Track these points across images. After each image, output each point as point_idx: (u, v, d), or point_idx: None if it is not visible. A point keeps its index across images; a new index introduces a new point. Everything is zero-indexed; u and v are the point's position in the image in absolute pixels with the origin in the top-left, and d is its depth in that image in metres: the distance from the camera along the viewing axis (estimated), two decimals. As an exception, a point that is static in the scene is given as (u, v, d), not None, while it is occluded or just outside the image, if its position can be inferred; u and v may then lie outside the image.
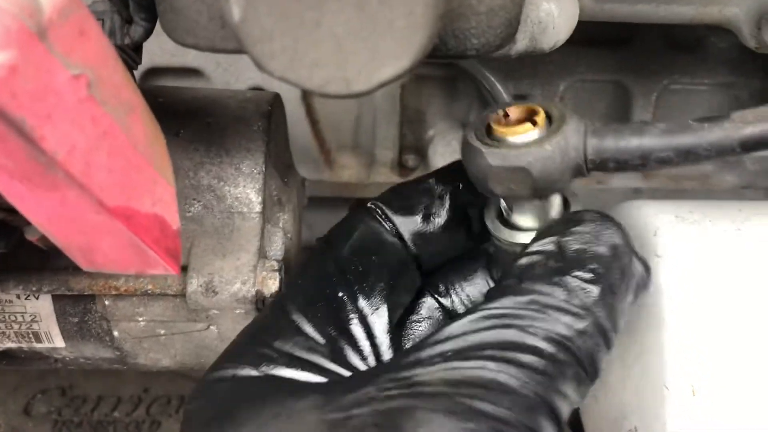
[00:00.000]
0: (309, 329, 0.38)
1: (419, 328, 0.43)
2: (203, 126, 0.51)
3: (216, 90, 0.58)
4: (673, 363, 0.46)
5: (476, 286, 0.44)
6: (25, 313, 0.50)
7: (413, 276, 0.43)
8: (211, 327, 0.50)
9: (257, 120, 0.52)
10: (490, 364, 0.32)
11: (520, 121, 0.39)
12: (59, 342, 0.51)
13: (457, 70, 0.75)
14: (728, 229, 0.50)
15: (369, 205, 0.44)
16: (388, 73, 0.30)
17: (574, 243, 0.36)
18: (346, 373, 0.37)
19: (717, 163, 0.81)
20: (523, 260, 0.37)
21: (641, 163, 0.38)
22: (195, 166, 0.50)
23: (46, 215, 0.31)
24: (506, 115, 0.39)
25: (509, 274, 0.36)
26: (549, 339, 0.33)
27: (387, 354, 0.39)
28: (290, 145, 0.62)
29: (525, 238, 0.40)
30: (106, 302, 0.49)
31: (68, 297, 0.49)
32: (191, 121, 0.51)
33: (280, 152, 0.56)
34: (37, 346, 0.52)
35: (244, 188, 0.49)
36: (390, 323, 0.40)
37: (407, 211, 0.43)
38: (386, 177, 0.82)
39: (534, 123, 0.38)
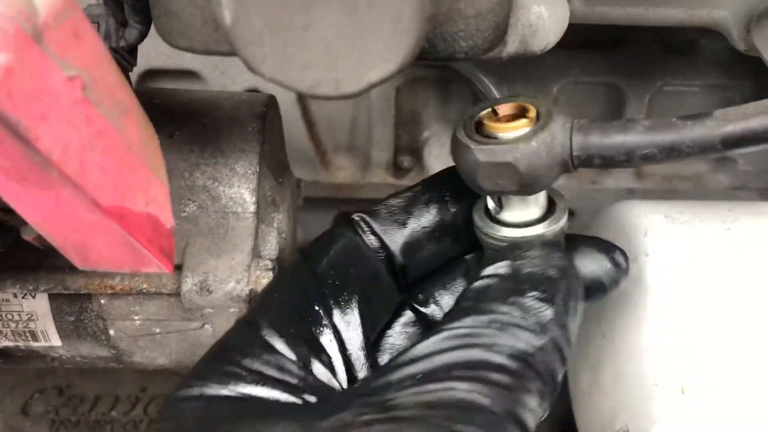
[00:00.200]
0: (280, 346, 0.37)
1: (396, 344, 0.43)
2: (198, 127, 0.51)
3: (211, 92, 0.58)
4: (662, 362, 0.47)
5: (455, 294, 0.45)
6: (22, 312, 0.50)
7: (392, 291, 0.43)
8: (206, 326, 0.51)
9: (252, 121, 0.52)
10: (460, 384, 0.32)
11: (510, 118, 0.40)
12: (56, 341, 0.52)
13: (451, 73, 0.76)
14: (718, 229, 0.50)
15: (354, 217, 0.44)
16: (376, 75, 0.31)
17: (526, 266, 0.38)
18: (317, 394, 0.36)
19: (710, 163, 0.81)
20: (478, 283, 0.38)
21: (626, 159, 0.38)
22: (190, 167, 0.50)
23: (41, 214, 0.32)
24: (496, 114, 0.40)
25: (465, 296, 0.38)
26: (512, 356, 0.34)
27: (362, 371, 0.40)
28: (286, 146, 0.63)
29: (512, 233, 0.41)
30: (102, 301, 0.50)
31: (64, 296, 0.50)
32: (187, 123, 0.51)
33: (275, 153, 0.57)
34: (34, 344, 0.52)
35: (239, 188, 0.50)
36: (366, 339, 0.40)
37: (394, 222, 0.43)
38: (382, 178, 0.83)
39: (526, 119, 0.39)
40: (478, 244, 0.44)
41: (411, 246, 0.43)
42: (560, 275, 0.38)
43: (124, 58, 0.42)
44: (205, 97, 0.55)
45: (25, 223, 0.38)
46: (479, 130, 0.40)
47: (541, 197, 0.42)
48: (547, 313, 0.36)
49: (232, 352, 0.37)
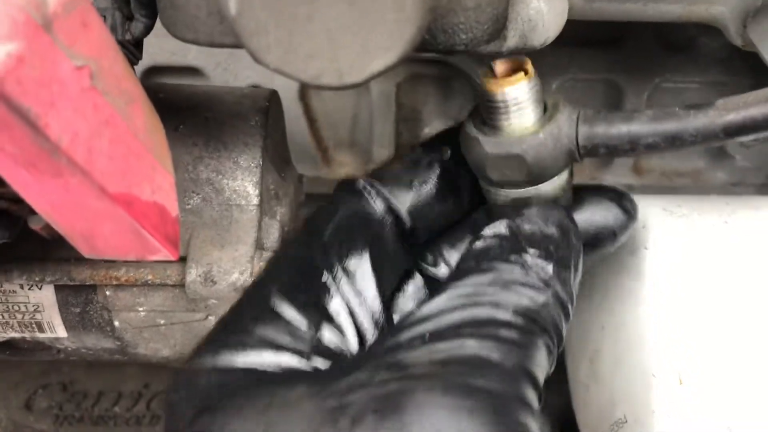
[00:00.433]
0: (291, 313, 0.37)
1: (406, 308, 0.43)
2: (202, 121, 0.52)
3: (215, 86, 0.59)
4: (660, 353, 0.47)
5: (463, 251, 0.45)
6: (28, 303, 0.51)
7: (399, 254, 0.43)
8: (210, 317, 0.51)
9: (254, 115, 0.53)
10: (470, 342, 0.33)
11: (508, 74, 0.40)
12: (61, 332, 0.52)
13: (452, 70, 0.77)
14: (716, 222, 0.51)
15: (359, 182, 0.44)
16: (379, 65, 0.31)
17: (524, 224, 0.39)
18: (328, 359, 0.37)
19: (708, 160, 0.82)
20: (478, 243, 0.39)
21: (630, 148, 0.39)
22: (194, 160, 0.51)
23: (49, 202, 0.32)
24: (493, 70, 0.41)
25: (467, 257, 0.38)
26: (518, 313, 0.35)
27: (372, 336, 0.40)
28: (288, 143, 0.63)
29: (517, 192, 0.42)
30: (107, 292, 0.50)
31: (70, 287, 0.50)
32: (190, 117, 0.52)
33: (277, 147, 0.58)
34: (40, 336, 0.53)
35: (242, 181, 0.51)
36: (375, 304, 0.40)
37: (399, 184, 0.44)
38: (383, 174, 0.83)
39: (525, 72, 0.39)
40: (482, 202, 0.45)
41: (418, 208, 0.44)
42: (559, 232, 0.39)
43: (130, 51, 0.43)
44: (209, 91, 0.56)
45: (32, 213, 0.38)
46: (487, 123, 0.41)
47: None
48: (548, 269, 0.37)
49: (243, 321, 0.37)
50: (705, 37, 0.74)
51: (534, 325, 0.35)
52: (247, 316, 0.38)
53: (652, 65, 0.76)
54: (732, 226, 0.50)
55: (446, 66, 0.76)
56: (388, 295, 0.42)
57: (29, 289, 0.50)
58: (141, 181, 0.33)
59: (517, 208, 0.40)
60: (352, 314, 0.39)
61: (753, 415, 0.45)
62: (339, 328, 0.38)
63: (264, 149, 0.52)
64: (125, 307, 0.51)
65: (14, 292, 0.51)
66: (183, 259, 0.49)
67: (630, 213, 0.44)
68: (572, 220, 0.41)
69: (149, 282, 0.49)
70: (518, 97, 0.40)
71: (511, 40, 0.45)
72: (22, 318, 0.52)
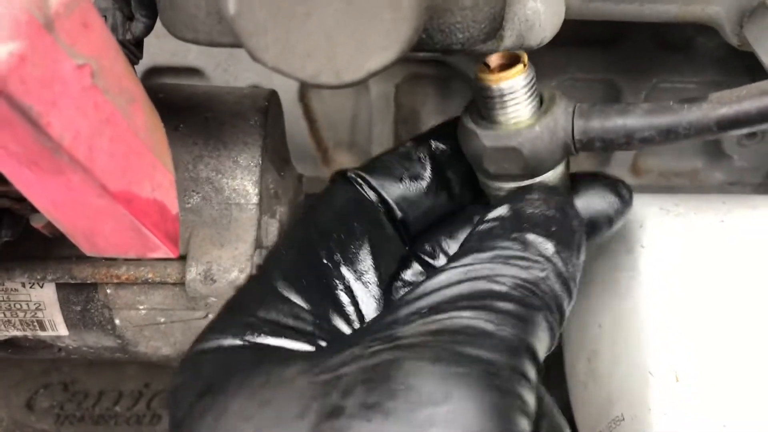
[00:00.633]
0: (294, 297, 0.38)
1: (404, 292, 0.43)
2: (202, 121, 0.52)
3: (214, 86, 0.59)
4: (657, 351, 0.47)
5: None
6: (30, 301, 0.51)
7: (396, 241, 0.44)
8: (210, 315, 0.52)
9: (254, 115, 0.53)
10: (465, 313, 0.33)
11: (503, 68, 0.40)
12: (63, 330, 0.53)
13: (450, 70, 0.77)
14: (712, 221, 0.51)
15: (350, 174, 0.44)
16: (376, 64, 0.32)
17: (527, 207, 0.39)
18: (330, 341, 0.37)
19: (706, 159, 0.82)
20: (482, 226, 0.39)
21: (626, 142, 0.40)
22: (194, 159, 0.51)
23: (51, 199, 0.33)
24: (488, 65, 0.41)
25: (468, 239, 0.38)
26: (517, 286, 0.34)
27: (372, 317, 0.40)
28: (288, 143, 0.64)
29: (515, 184, 0.42)
30: (108, 291, 0.51)
31: (71, 285, 0.51)
32: (190, 116, 0.52)
33: (277, 147, 0.58)
34: (42, 334, 0.53)
35: (242, 180, 0.51)
36: (376, 287, 0.41)
37: (390, 176, 0.44)
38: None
39: (523, 65, 0.40)
40: (474, 200, 0.45)
41: (408, 200, 0.44)
42: (561, 214, 0.39)
43: (131, 50, 0.43)
44: (208, 91, 0.56)
45: (34, 212, 0.39)
46: (484, 116, 0.41)
47: None
48: (549, 246, 0.37)
49: (247, 304, 0.38)
50: (702, 37, 0.74)
51: (534, 297, 0.34)
52: (251, 300, 0.38)
53: (649, 65, 0.76)
54: (728, 225, 0.50)
55: (445, 66, 0.77)
56: (387, 279, 0.42)
57: (31, 287, 0.51)
58: (141, 179, 0.33)
59: (518, 194, 0.41)
60: (353, 296, 0.40)
61: (749, 412, 0.45)
62: (342, 312, 0.39)
63: (263, 148, 0.52)
64: (126, 306, 0.51)
65: (16, 290, 0.51)
66: (183, 258, 0.49)
67: (625, 198, 0.44)
68: (573, 205, 0.41)
69: (149, 280, 0.49)
70: (513, 91, 0.40)
71: (508, 40, 0.45)
72: (24, 316, 0.52)
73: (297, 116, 0.79)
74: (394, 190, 0.44)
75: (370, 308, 0.40)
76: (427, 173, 0.45)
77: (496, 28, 0.40)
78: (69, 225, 0.35)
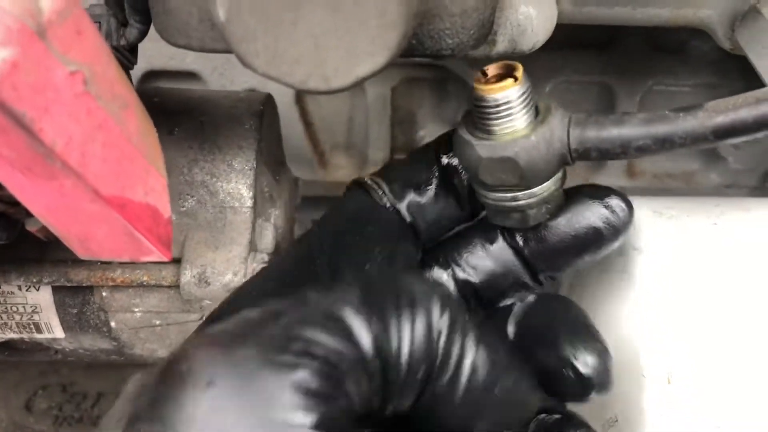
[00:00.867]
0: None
1: None
2: (197, 124, 0.53)
3: (210, 90, 0.60)
4: (650, 353, 0.48)
5: (475, 254, 0.45)
6: (26, 304, 0.52)
7: (412, 244, 0.44)
8: (204, 317, 0.52)
9: (249, 119, 0.53)
10: None
11: (498, 79, 0.41)
12: (59, 333, 0.53)
13: (446, 73, 0.77)
14: (705, 223, 0.51)
15: (365, 181, 0.45)
16: (364, 70, 0.32)
17: None
18: None
19: (701, 162, 0.82)
20: None
21: (622, 151, 0.40)
22: (189, 163, 0.52)
23: (45, 205, 0.33)
24: (485, 75, 0.41)
25: None
26: None
27: None
28: (285, 146, 0.64)
29: (511, 195, 0.42)
30: (104, 293, 0.51)
31: (67, 288, 0.51)
32: (185, 120, 0.53)
33: (272, 150, 0.58)
34: (38, 336, 0.54)
35: (236, 184, 0.51)
36: None
37: (401, 184, 0.44)
38: (379, 177, 0.84)
39: (515, 78, 0.40)
40: (483, 208, 0.46)
41: (417, 206, 0.44)
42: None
43: (125, 56, 0.43)
44: (204, 95, 0.57)
45: (29, 216, 0.39)
46: (479, 126, 0.41)
47: None
48: None
49: (246, 297, 0.38)
50: (696, 40, 0.75)
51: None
52: (250, 292, 0.39)
53: (644, 68, 0.76)
54: (721, 228, 0.50)
55: (441, 69, 0.77)
56: None
57: (27, 290, 0.51)
58: (134, 183, 0.33)
59: (514, 210, 0.41)
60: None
61: (741, 413, 0.45)
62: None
63: (258, 152, 0.52)
64: (121, 308, 0.52)
65: (12, 293, 0.51)
66: (178, 261, 0.49)
67: (616, 212, 0.43)
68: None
69: (145, 283, 0.50)
70: (509, 101, 0.40)
71: (501, 45, 0.45)
72: (20, 319, 0.52)
73: (293, 119, 0.79)
74: (405, 198, 0.44)
75: None
76: (436, 181, 0.45)
77: (485, 34, 0.40)
78: (63, 229, 0.35)
